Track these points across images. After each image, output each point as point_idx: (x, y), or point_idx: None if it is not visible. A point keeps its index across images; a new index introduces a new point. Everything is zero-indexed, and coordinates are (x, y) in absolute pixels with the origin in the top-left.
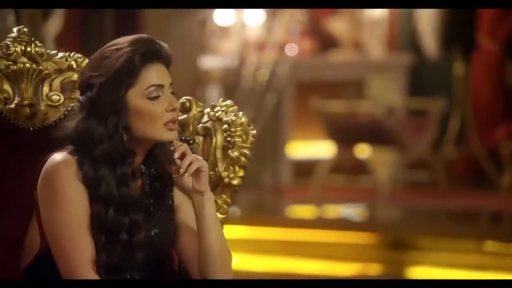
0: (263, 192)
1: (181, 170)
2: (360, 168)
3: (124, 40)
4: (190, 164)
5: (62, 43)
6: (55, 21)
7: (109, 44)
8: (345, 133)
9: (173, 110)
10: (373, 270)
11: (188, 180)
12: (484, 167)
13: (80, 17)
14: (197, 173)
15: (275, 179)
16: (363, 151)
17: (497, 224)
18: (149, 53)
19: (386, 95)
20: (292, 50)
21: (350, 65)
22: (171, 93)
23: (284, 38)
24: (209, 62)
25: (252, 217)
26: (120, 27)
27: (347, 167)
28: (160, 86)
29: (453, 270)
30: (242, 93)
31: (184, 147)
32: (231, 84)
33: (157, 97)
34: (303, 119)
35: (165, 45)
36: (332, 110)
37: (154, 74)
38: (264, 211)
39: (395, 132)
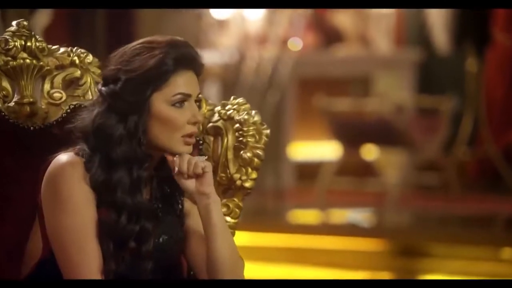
0: (264, 196)
1: (184, 171)
2: (367, 170)
3: (160, 40)
4: (194, 165)
5: (51, 37)
6: (44, 15)
7: (143, 40)
8: (351, 133)
9: (195, 123)
10: (382, 278)
11: (191, 183)
12: (499, 169)
13: (71, 10)
14: (202, 174)
15: (277, 182)
16: (370, 152)
17: None
18: (183, 59)
19: (394, 92)
20: (294, 44)
21: (355, 61)
22: (197, 100)
23: (286, 32)
24: (207, 58)
25: (252, 223)
26: (113, 21)
27: (353, 169)
28: (188, 95)
29: (467, 278)
30: (242, 90)
31: (186, 155)
32: (231, 81)
33: (182, 106)
34: (306, 118)
35: (200, 53)
36: (337, 108)
37: (183, 82)
38: (265, 216)
39: (404, 132)
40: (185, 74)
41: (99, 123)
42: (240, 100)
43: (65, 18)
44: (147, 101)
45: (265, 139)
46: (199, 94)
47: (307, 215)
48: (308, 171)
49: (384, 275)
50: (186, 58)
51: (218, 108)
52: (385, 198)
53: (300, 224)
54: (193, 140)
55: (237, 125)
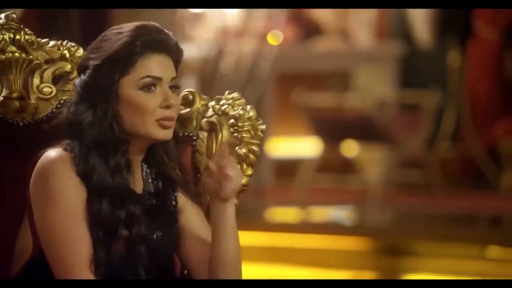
0: (242, 194)
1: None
2: (348, 167)
3: (128, 25)
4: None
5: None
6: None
7: (113, 27)
8: (331, 129)
9: (168, 107)
10: (365, 278)
11: (212, 185)
12: (482, 166)
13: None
14: (225, 177)
15: (255, 180)
16: (351, 148)
17: (497, 228)
18: (153, 41)
19: (375, 87)
20: (274, 38)
21: (335, 55)
22: (174, 87)
23: (265, 25)
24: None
25: None
26: (87, 12)
27: (333, 166)
28: (158, 78)
29: (452, 277)
30: (220, 85)
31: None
32: (208, 75)
33: (151, 90)
34: (285, 113)
35: (174, 38)
36: (317, 104)
37: (153, 65)
38: (244, 215)
39: (386, 128)
40: (155, 57)
41: (71, 113)
42: (235, 95)
43: (36, 17)
44: (115, 86)
45: (261, 134)
46: (173, 78)
47: (287, 213)
48: (288, 168)
49: (367, 275)
50: (155, 41)
51: (212, 103)
52: (367, 196)
53: (280, 222)
54: (170, 124)
55: (232, 120)
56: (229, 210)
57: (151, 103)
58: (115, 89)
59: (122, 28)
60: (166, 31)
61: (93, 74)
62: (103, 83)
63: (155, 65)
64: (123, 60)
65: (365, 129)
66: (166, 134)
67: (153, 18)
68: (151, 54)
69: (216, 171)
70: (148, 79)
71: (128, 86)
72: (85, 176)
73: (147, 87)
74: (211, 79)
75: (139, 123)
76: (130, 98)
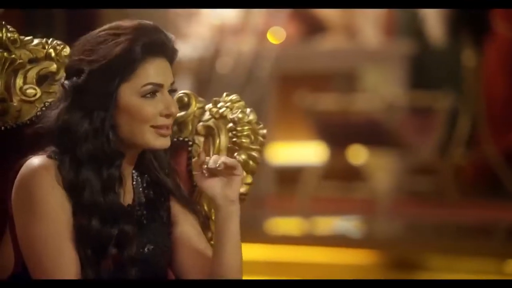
0: (241, 203)
1: (210, 164)
2: (354, 174)
3: (125, 25)
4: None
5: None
6: None
7: (107, 26)
8: (337, 133)
9: (168, 115)
10: None
11: (216, 184)
12: (499, 174)
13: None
14: (230, 177)
15: (255, 188)
16: (358, 154)
17: None
18: (153, 45)
19: (383, 88)
20: (274, 35)
21: (340, 53)
22: (172, 90)
23: (265, 22)
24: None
25: None
26: (73, 16)
27: (339, 174)
28: (159, 85)
29: None
30: (217, 86)
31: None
32: (204, 76)
33: (153, 97)
34: (287, 117)
35: (172, 37)
36: (321, 106)
37: (154, 70)
38: (242, 226)
39: (395, 132)
40: (155, 62)
41: (63, 120)
42: (234, 97)
43: (18, 14)
44: (114, 93)
45: (261, 139)
46: (172, 83)
47: (289, 224)
48: (290, 176)
49: None
50: (155, 44)
51: (209, 106)
52: (375, 205)
53: (281, 234)
54: (169, 132)
55: (231, 124)
56: (235, 216)
57: (152, 111)
58: (114, 97)
59: (119, 28)
60: (164, 30)
61: (89, 79)
62: (100, 90)
63: (156, 70)
64: (123, 66)
65: (373, 134)
66: (165, 143)
67: (146, 14)
68: (151, 59)
69: (223, 171)
70: (150, 87)
71: (129, 94)
72: (74, 189)
73: (149, 94)
74: (207, 80)
75: (137, 131)
76: (131, 106)
